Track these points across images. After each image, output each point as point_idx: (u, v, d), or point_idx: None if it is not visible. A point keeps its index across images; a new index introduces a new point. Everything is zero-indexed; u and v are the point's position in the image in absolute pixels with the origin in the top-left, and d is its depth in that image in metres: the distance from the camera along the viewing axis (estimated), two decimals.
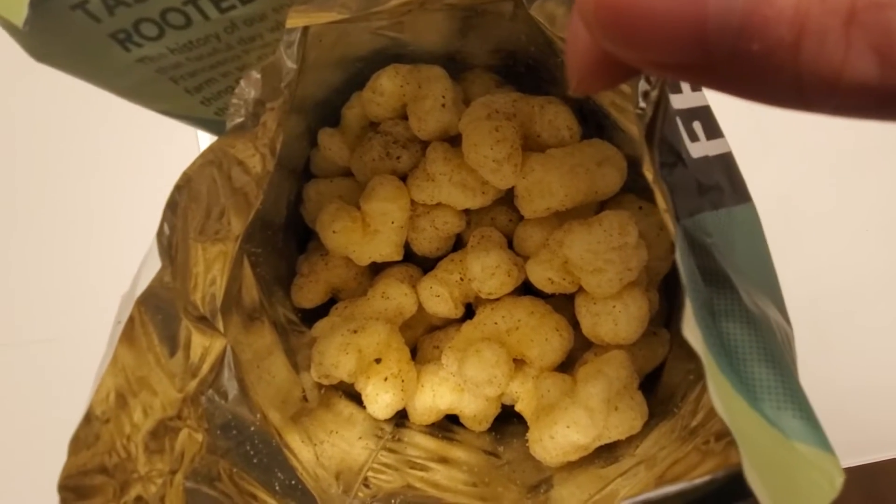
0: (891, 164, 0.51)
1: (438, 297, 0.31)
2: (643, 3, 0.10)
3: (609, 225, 0.26)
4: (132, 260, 0.23)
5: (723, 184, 0.22)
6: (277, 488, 0.25)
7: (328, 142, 0.32)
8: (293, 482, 0.26)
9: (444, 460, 0.30)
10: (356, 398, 0.32)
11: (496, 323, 0.30)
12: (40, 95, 0.52)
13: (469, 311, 0.33)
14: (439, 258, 0.33)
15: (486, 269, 0.30)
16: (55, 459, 0.19)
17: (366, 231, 0.31)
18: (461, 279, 0.32)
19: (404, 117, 0.32)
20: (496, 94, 0.30)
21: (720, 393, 0.15)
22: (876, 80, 0.09)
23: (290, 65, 0.24)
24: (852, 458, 0.47)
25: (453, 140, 0.31)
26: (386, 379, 0.30)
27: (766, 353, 0.18)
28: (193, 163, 0.22)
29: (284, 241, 0.34)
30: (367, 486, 0.28)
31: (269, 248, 0.32)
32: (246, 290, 0.28)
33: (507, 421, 0.33)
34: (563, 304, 0.31)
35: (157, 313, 0.22)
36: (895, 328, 0.49)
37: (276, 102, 0.24)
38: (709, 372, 0.15)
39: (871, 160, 0.52)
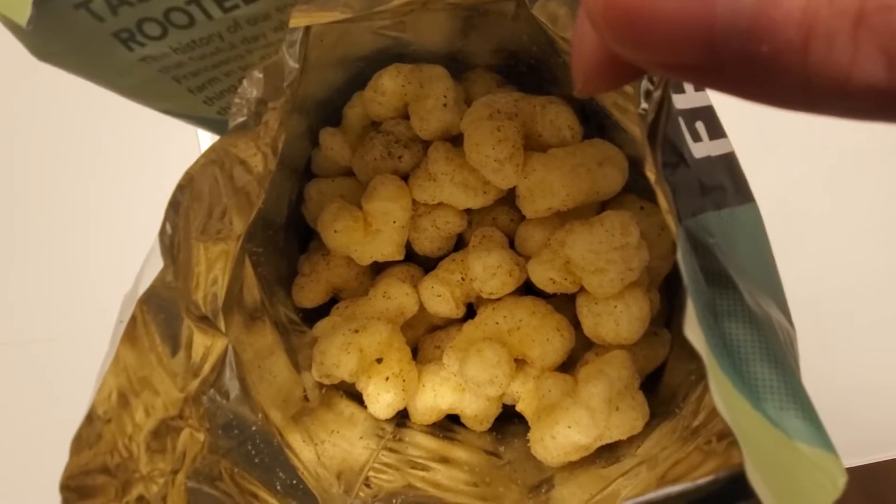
0: (891, 165, 0.51)
1: (440, 296, 0.31)
2: (651, 4, 0.10)
3: (611, 225, 0.26)
4: (133, 259, 0.23)
5: (725, 184, 0.22)
6: (279, 488, 0.25)
7: (330, 141, 0.32)
8: (294, 482, 0.26)
9: (445, 460, 0.30)
10: (357, 398, 0.32)
11: (497, 323, 0.30)
12: (41, 95, 0.52)
13: (470, 311, 0.33)
14: (441, 258, 0.33)
15: (488, 269, 0.30)
16: (56, 459, 0.19)
17: (367, 231, 0.31)
18: (462, 279, 0.32)
19: (406, 117, 0.32)
20: (498, 94, 0.30)
21: (722, 393, 0.15)
22: (884, 83, 0.09)
23: (293, 64, 0.24)
24: (853, 458, 0.47)
25: (455, 140, 0.31)
26: (387, 379, 0.30)
27: (769, 354, 0.18)
28: (196, 162, 0.22)
29: (286, 240, 0.34)
30: (368, 485, 0.28)
31: (270, 247, 0.32)
32: (247, 289, 0.28)
33: (509, 421, 0.33)
34: (565, 304, 0.31)
35: (160, 313, 0.22)
36: (895, 328, 0.49)
37: (279, 102, 0.24)
38: (710, 372, 0.15)
39: (872, 161, 0.52)
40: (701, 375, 0.25)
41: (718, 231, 0.20)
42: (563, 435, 0.26)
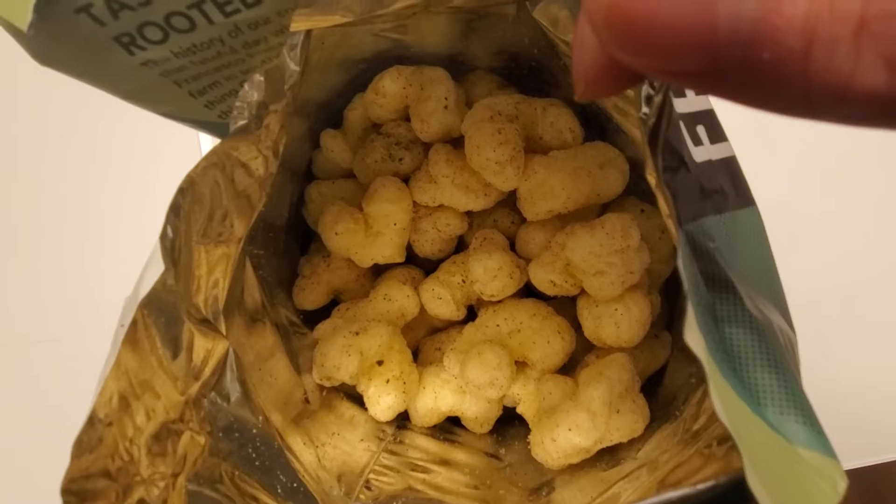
0: (891, 167, 0.51)
1: (440, 299, 0.31)
2: (653, 10, 0.10)
3: (611, 228, 0.26)
4: (135, 261, 0.23)
5: (726, 188, 0.22)
6: (279, 490, 0.25)
7: (330, 143, 0.32)
8: (295, 484, 0.26)
9: (445, 462, 0.30)
10: (358, 400, 0.32)
11: (498, 325, 0.30)
12: (43, 97, 0.52)
13: (471, 314, 0.33)
14: (441, 260, 0.33)
15: (489, 272, 0.30)
16: (58, 461, 0.19)
17: (368, 233, 0.31)
18: (463, 281, 0.32)
19: (407, 119, 0.32)
20: (499, 96, 0.30)
21: (722, 398, 0.15)
22: (885, 90, 0.09)
23: (294, 67, 0.24)
24: (853, 460, 0.47)
25: (456, 142, 0.31)
26: (388, 381, 0.30)
27: (769, 358, 0.18)
28: (197, 165, 0.22)
29: (286, 242, 0.34)
30: (368, 488, 0.28)
31: (271, 249, 0.32)
32: (248, 291, 0.28)
33: (509, 423, 0.33)
34: (565, 306, 0.31)
35: (160, 316, 0.22)
36: (894, 330, 0.49)
37: (279, 105, 0.24)
38: (710, 377, 0.15)
39: (874, 163, 0.52)
40: (701, 378, 0.25)
41: (719, 235, 0.20)
42: (563, 437, 0.26)
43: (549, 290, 0.29)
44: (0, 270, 0.50)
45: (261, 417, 0.26)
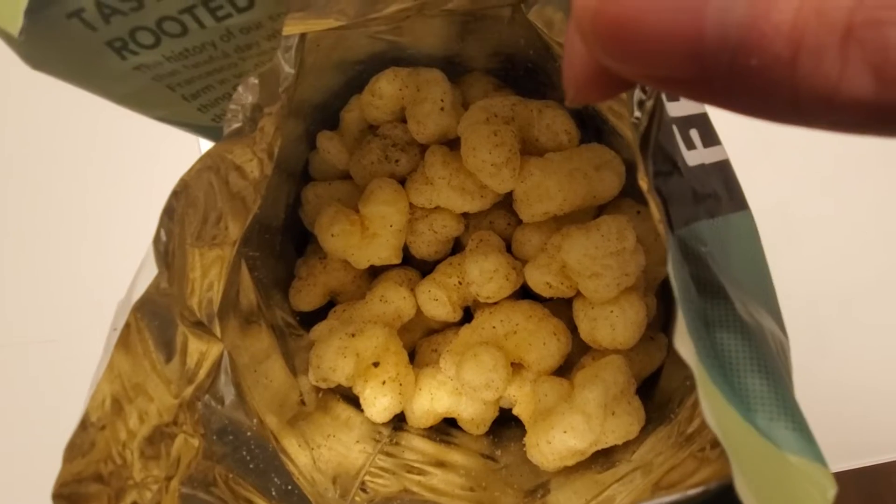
0: (887, 170, 0.51)
1: (437, 300, 0.31)
2: (640, 17, 0.10)
3: (607, 230, 0.26)
4: (133, 261, 0.23)
5: (719, 192, 0.22)
6: (274, 493, 0.25)
7: (327, 145, 0.32)
8: (289, 487, 0.26)
9: (441, 464, 0.30)
10: (354, 401, 0.32)
11: (494, 327, 0.30)
12: (39, 100, 0.52)
13: (467, 315, 0.33)
14: (438, 262, 0.33)
15: (485, 273, 0.30)
16: (57, 462, 0.19)
17: (364, 234, 0.31)
18: (459, 283, 0.32)
19: (403, 120, 0.32)
20: (495, 98, 0.30)
21: (712, 404, 0.15)
22: (872, 97, 0.09)
23: (288, 69, 0.24)
24: (851, 460, 0.47)
25: (452, 143, 0.31)
26: (384, 382, 0.30)
27: (760, 364, 0.18)
28: (191, 168, 0.22)
29: (282, 244, 0.34)
30: (364, 490, 0.28)
31: (267, 251, 0.32)
32: (243, 293, 0.29)
33: (505, 424, 0.33)
34: (561, 308, 0.31)
35: (154, 319, 0.22)
36: (892, 331, 0.49)
37: (274, 107, 0.24)
38: (700, 383, 0.15)
39: (869, 165, 0.51)
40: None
41: (711, 239, 0.20)
42: (559, 439, 0.26)
43: (545, 292, 0.29)
44: None
45: (255, 420, 0.26)
